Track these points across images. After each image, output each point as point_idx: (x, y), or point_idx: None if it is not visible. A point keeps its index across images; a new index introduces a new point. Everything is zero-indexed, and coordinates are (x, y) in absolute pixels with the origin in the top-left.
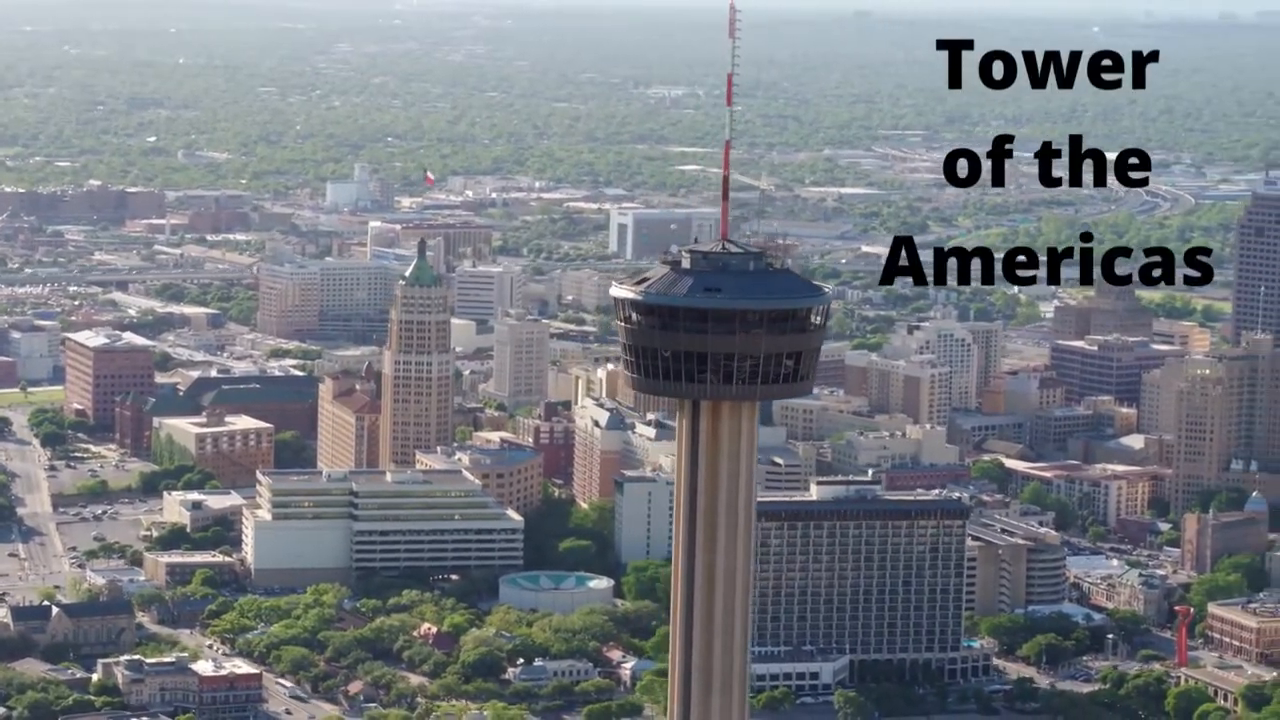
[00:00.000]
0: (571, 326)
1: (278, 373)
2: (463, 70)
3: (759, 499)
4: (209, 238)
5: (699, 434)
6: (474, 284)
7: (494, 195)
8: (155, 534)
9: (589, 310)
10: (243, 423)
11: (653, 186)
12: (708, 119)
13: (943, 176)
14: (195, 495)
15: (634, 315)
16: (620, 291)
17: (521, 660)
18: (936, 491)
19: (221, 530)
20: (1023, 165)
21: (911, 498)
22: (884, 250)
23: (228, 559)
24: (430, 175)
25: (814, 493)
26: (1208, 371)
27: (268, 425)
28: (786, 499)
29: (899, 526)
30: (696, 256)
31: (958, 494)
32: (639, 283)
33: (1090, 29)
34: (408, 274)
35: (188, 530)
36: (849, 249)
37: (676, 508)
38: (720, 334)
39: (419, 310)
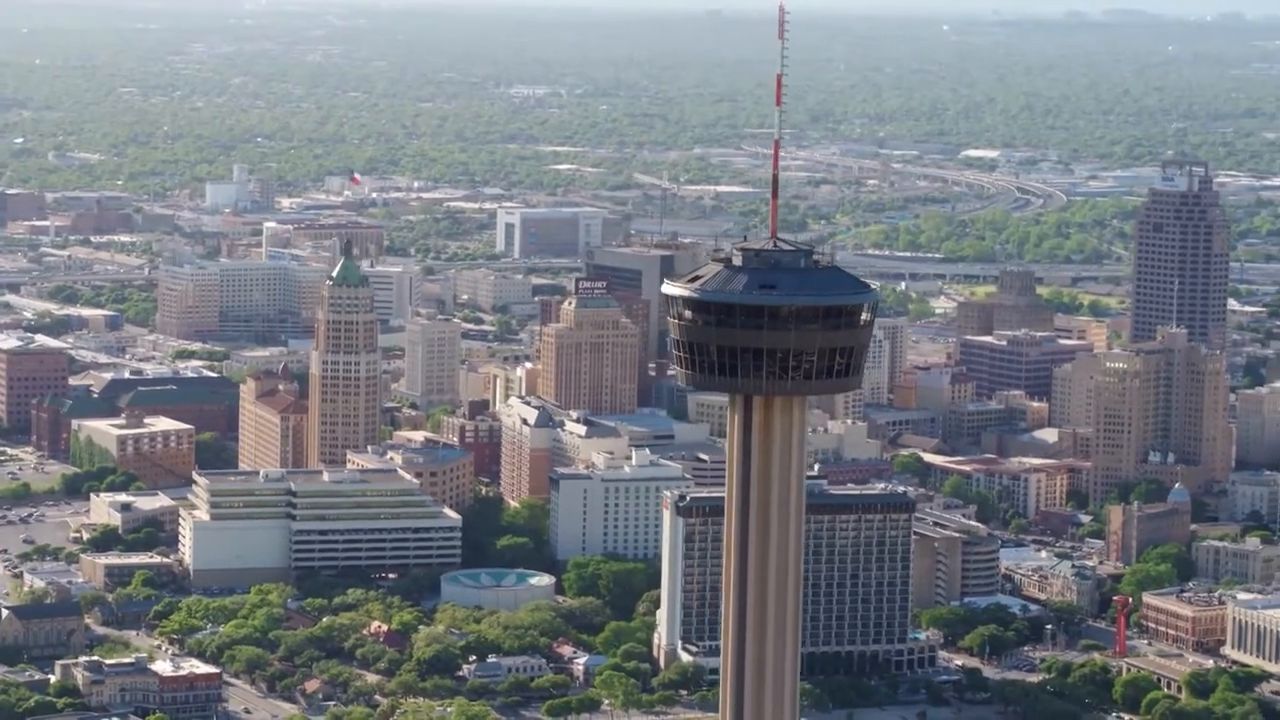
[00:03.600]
0: (471, 326)
1: (190, 374)
2: (321, 70)
3: (703, 494)
4: (93, 239)
5: (751, 428)
6: (373, 284)
7: (374, 195)
8: (86, 536)
9: (485, 309)
10: (162, 424)
11: (529, 186)
12: (574, 118)
13: (816, 174)
14: (123, 497)
15: (688, 312)
16: (674, 289)
17: (474, 657)
18: (883, 486)
19: (154, 531)
20: (895, 164)
21: (858, 491)
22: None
23: (165, 560)
24: (356, 176)
25: None
26: (1124, 365)
27: (188, 426)
28: None
29: (846, 520)
30: (749, 254)
31: (903, 488)
32: (692, 280)
33: (941, 27)
34: (334, 274)
35: (119, 532)
36: (735, 247)
37: (728, 501)
38: (777, 330)
39: (346, 310)
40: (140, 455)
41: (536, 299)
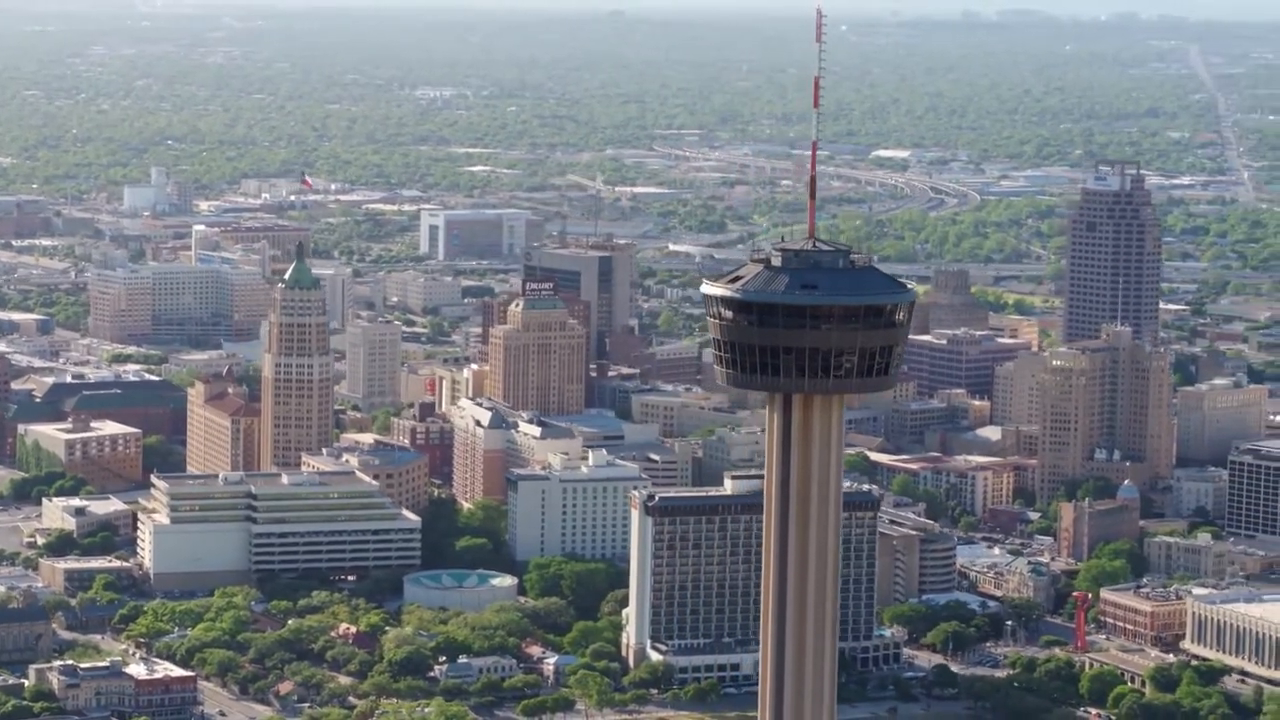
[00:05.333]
0: (403, 329)
1: (133, 378)
2: (224, 72)
3: (671, 494)
4: (14, 243)
5: (791, 426)
6: None
7: (291, 198)
8: (41, 541)
9: (415, 312)
10: (109, 428)
11: (445, 187)
12: (483, 119)
13: (730, 175)
14: (76, 501)
15: (729, 312)
16: (714, 289)
17: (444, 658)
18: (849, 484)
19: (109, 535)
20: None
21: None
22: (690, 248)
23: (125, 564)
24: (308, 179)
25: (729, 487)
26: (1070, 363)
27: (135, 430)
28: (703, 493)
29: None
30: (788, 255)
31: (867, 487)
32: (732, 280)
33: (840, 28)
34: (287, 276)
35: (75, 536)
36: (656, 248)
37: (767, 499)
38: (819, 329)
39: (299, 313)
40: (89, 459)
41: (467, 301)
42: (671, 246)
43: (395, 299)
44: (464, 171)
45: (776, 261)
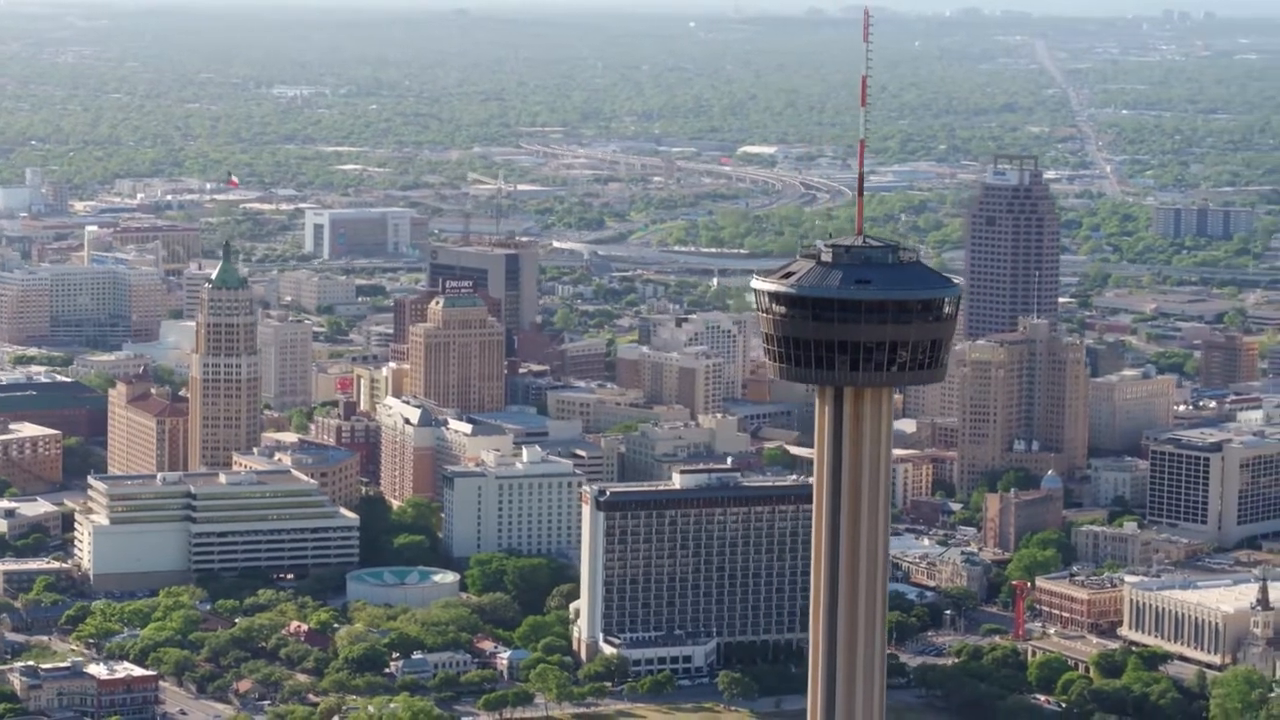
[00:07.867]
0: None
1: (44, 379)
2: (78, 72)
3: (622, 489)
4: None
5: (842, 420)
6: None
7: (168, 198)
8: None
9: (309, 310)
10: (28, 429)
11: (319, 186)
12: (345, 118)
13: (603, 172)
14: (5, 503)
15: (782, 307)
16: (767, 285)
17: (397, 654)
18: (794, 477)
19: (41, 536)
20: (680, 160)
21: (771, 483)
22: (574, 245)
23: (63, 565)
24: (234, 178)
25: (677, 481)
26: (989, 356)
27: (55, 432)
28: (654, 488)
29: (760, 512)
30: (839, 250)
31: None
32: (784, 276)
33: (688, 24)
34: (213, 276)
35: (6, 538)
36: (540, 245)
37: (817, 491)
38: (874, 324)
39: (226, 313)
40: (10, 461)
41: (360, 299)
42: (555, 244)
43: (289, 298)
44: (336, 170)
45: (827, 257)
